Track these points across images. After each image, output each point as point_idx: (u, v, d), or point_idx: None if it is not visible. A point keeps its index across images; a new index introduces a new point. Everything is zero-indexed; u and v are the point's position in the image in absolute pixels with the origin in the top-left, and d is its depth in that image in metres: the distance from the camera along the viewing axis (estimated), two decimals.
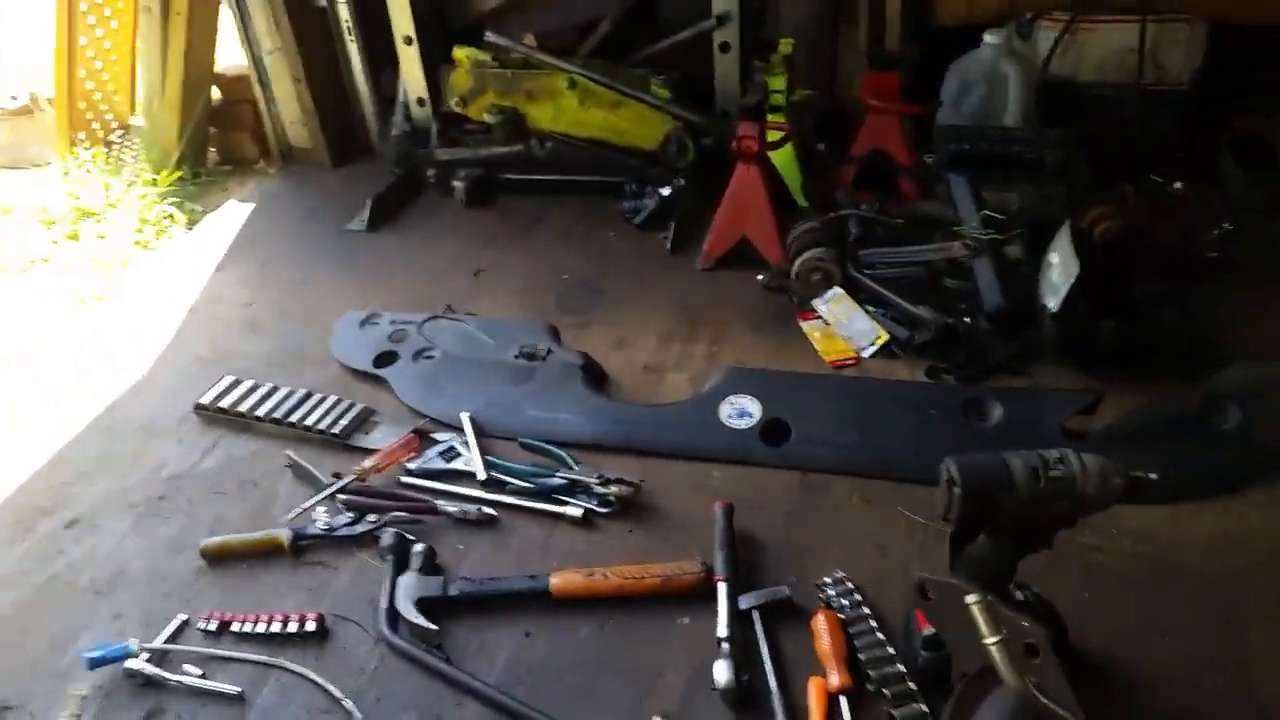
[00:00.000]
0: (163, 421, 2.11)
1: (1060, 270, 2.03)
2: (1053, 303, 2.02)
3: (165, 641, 1.60)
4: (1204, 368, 1.94)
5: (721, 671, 1.46)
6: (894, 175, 2.66)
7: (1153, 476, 1.27)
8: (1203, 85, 2.65)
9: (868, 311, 2.21)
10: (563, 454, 1.90)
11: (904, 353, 2.12)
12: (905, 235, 2.36)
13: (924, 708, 1.38)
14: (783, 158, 2.57)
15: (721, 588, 1.59)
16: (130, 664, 1.54)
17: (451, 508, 1.80)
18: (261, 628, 1.61)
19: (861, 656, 1.48)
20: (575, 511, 1.78)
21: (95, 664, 1.53)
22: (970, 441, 1.83)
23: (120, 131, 3.51)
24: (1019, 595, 1.39)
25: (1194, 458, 1.80)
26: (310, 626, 1.60)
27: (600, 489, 1.80)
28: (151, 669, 1.54)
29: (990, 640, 1.17)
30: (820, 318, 2.23)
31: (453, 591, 1.63)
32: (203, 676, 1.54)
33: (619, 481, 1.80)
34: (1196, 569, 1.61)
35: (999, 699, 1.18)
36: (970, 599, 1.24)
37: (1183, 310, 2.05)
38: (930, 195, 2.60)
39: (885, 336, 2.14)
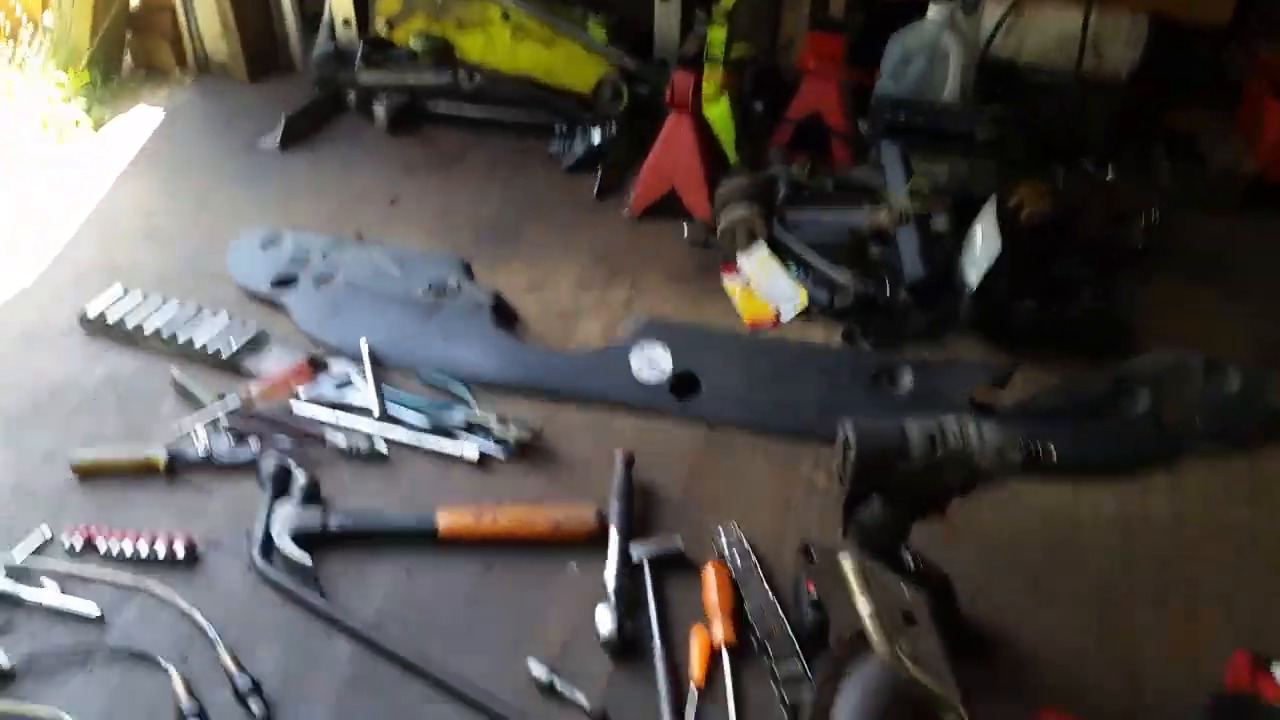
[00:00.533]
0: (45, 330, 1.99)
1: (983, 246, 2.02)
2: (973, 278, 2.02)
3: (25, 555, 1.51)
4: (1119, 353, 1.96)
5: (604, 620, 1.42)
6: (828, 139, 2.62)
7: (1050, 448, 1.26)
8: (1140, 78, 2.66)
9: (790, 273, 2.18)
10: (464, 392, 1.84)
11: (822, 316, 2.10)
12: (833, 200, 2.33)
13: (804, 667, 1.37)
14: (718, 113, 2.51)
15: (613, 536, 1.55)
16: None
17: (341, 439, 1.73)
18: (129, 547, 1.52)
19: (749, 612, 1.46)
20: (471, 452, 1.72)
21: None
22: (879, 407, 1.82)
23: (30, 28, 3.30)
24: (909, 563, 1.38)
25: (1100, 438, 1.81)
26: (180, 551, 1.52)
27: (498, 430, 1.74)
28: (6, 583, 1.45)
29: (864, 605, 1.16)
30: (742, 274, 2.20)
31: (333, 525, 1.57)
32: (61, 593, 1.46)
33: (518, 423, 1.75)
34: (1093, 548, 1.62)
35: (868, 665, 1.17)
36: (846, 562, 1.22)
37: (1102, 295, 2.06)
38: (862, 163, 2.57)
39: (805, 298, 2.11)
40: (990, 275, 1.98)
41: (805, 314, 2.11)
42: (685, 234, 2.33)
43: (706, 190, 2.36)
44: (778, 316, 2.10)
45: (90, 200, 2.46)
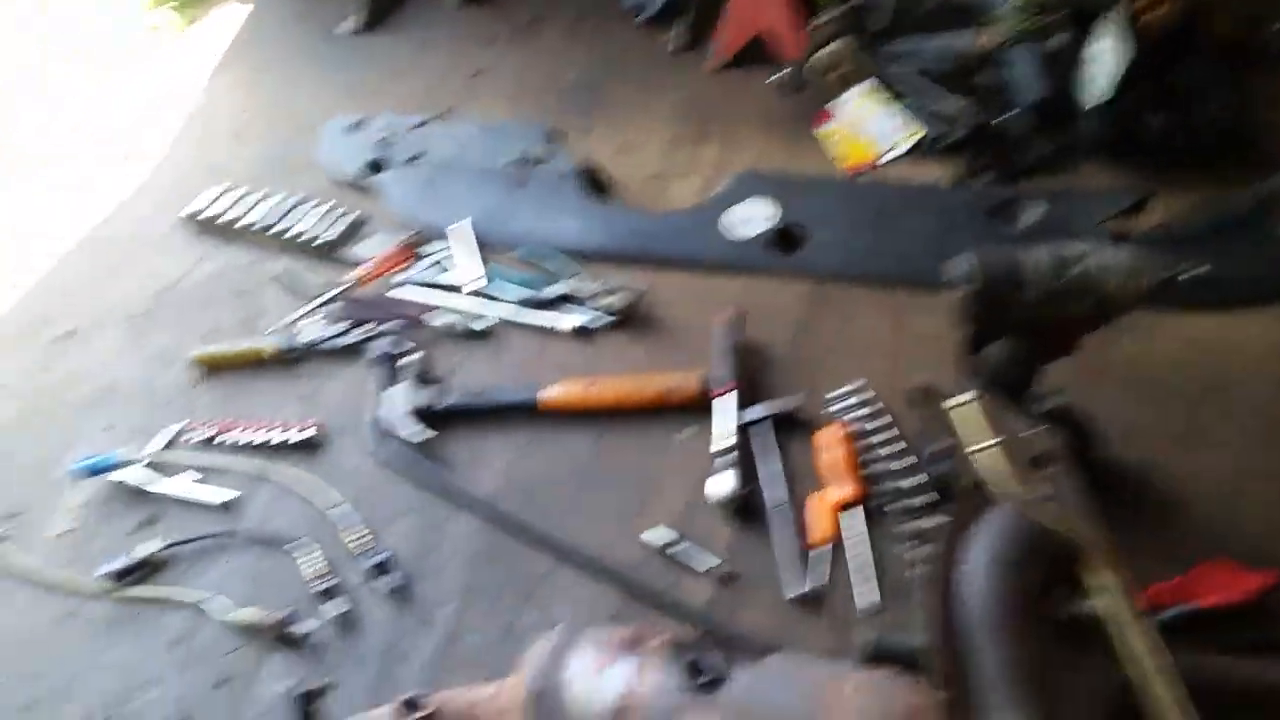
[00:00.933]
0: (154, 233, 2.04)
1: (1108, 59, 1.85)
2: (1097, 94, 1.85)
3: (157, 452, 1.57)
4: (1257, 169, 1.78)
5: (720, 483, 1.41)
6: None
7: (1188, 269, 1.14)
8: None
9: (893, 110, 2.04)
10: (560, 264, 1.80)
11: (931, 153, 1.97)
12: (936, 24, 2.15)
13: (933, 521, 1.33)
14: None
15: (724, 399, 1.52)
16: (122, 474, 1.52)
17: (444, 319, 1.73)
18: (255, 437, 1.57)
19: (873, 469, 1.42)
20: (571, 324, 1.70)
21: (87, 474, 1.52)
22: (998, 244, 1.71)
23: None
24: (1043, 405, 1.31)
25: (1244, 260, 1.66)
26: (303, 436, 1.56)
27: (597, 300, 1.71)
28: (144, 478, 1.52)
29: (990, 448, 1.09)
30: (840, 119, 2.07)
31: (445, 403, 1.58)
32: (195, 485, 1.52)
33: (618, 292, 1.71)
34: (1243, 380, 1.50)
35: (994, 516, 1.11)
36: (971, 402, 1.15)
37: (1238, 105, 1.87)
38: None
39: (912, 135, 1.98)
40: (1117, 90, 1.82)
41: (913, 152, 1.98)
42: (776, 79, 2.21)
43: (796, 30, 2.21)
44: (883, 157, 1.98)
45: (185, 100, 2.47)
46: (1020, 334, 1.23)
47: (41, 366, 1.77)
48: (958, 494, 1.12)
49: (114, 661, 1.33)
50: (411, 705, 1.08)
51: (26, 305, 1.92)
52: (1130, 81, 1.81)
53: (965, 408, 1.12)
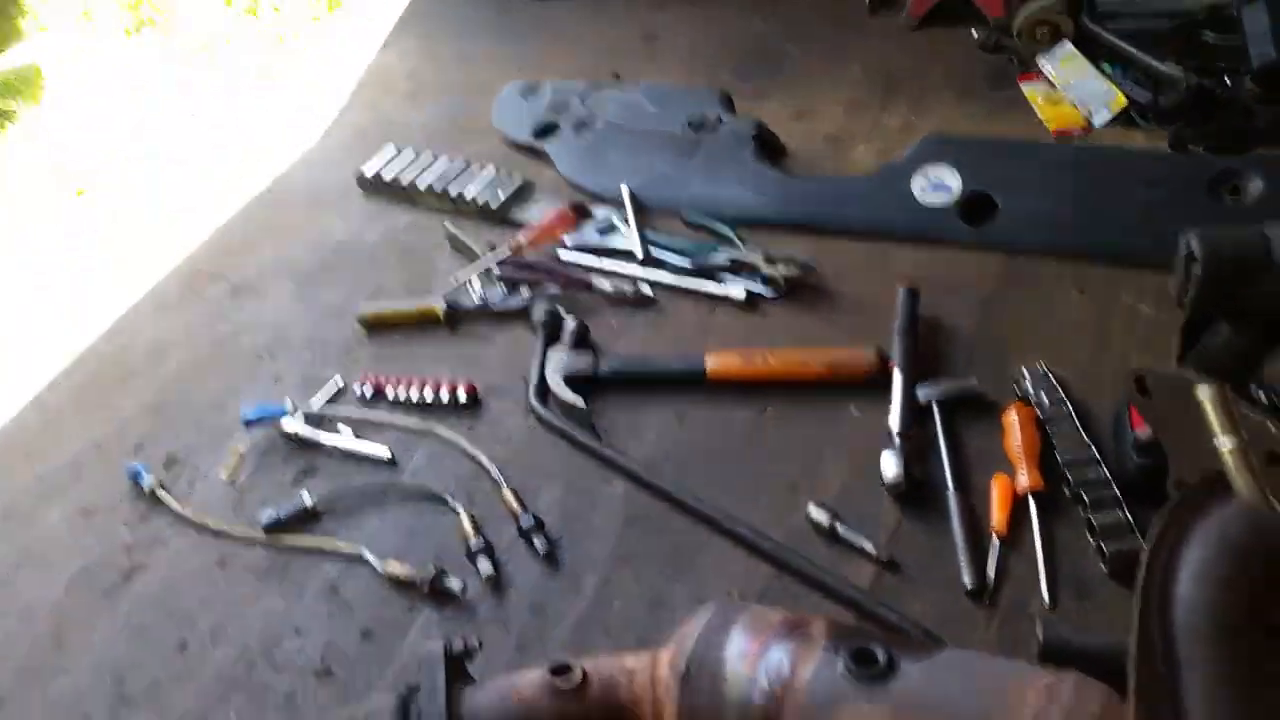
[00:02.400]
0: (327, 192, 2.08)
1: None
2: None
3: (321, 404, 1.59)
4: None
5: (890, 464, 1.30)
6: None
7: None
8: None
9: (1103, 71, 1.86)
10: (728, 231, 1.73)
11: (1145, 120, 1.78)
12: None
13: (1128, 517, 1.18)
14: None
15: (897, 376, 1.41)
16: (285, 424, 1.54)
17: (607, 284, 1.68)
18: (415, 394, 1.57)
19: (1060, 458, 1.28)
20: (738, 292, 1.62)
21: (252, 423, 1.54)
22: (1219, 221, 1.52)
23: None
24: (1263, 397, 1.15)
25: None
26: (462, 396, 1.55)
27: (767, 268, 1.63)
28: (306, 430, 1.54)
29: (1225, 441, 0.95)
30: (1046, 79, 1.90)
31: (604, 369, 1.53)
32: (356, 438, 1.53)
33: (788, 261, 1.62)
34: None
35: (1225, 512, 0.97)
36: (1204, 391, 1.01)
37: None
38: None
39: (1123, 99, 1.80)
40: None
41: (1124, 118, 1.80)
42: (976, 38, 2.05)
43: None
44: (1089, 123, 1.81)
45: (358, 65, 2.52)
46: (1249, 321, 1.08)
47: (211, 320, 1.83)
48: (1179, 486, 0.98)
49: (264, 608, 1.34)
50: (561, 669, 1.03)
51: (196, 262, 1.98)
52: None
53: (1206, 394, 0.99)
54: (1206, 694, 0.78)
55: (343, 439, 1.53)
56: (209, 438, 1.59)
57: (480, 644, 1.09)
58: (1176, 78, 1.75)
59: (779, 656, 0.97)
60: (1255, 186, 1.56)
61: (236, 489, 1.50)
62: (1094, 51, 1.89)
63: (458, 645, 1.08)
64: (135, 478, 1.51)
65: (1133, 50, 1.83)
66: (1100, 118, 1.81)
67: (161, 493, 1.49)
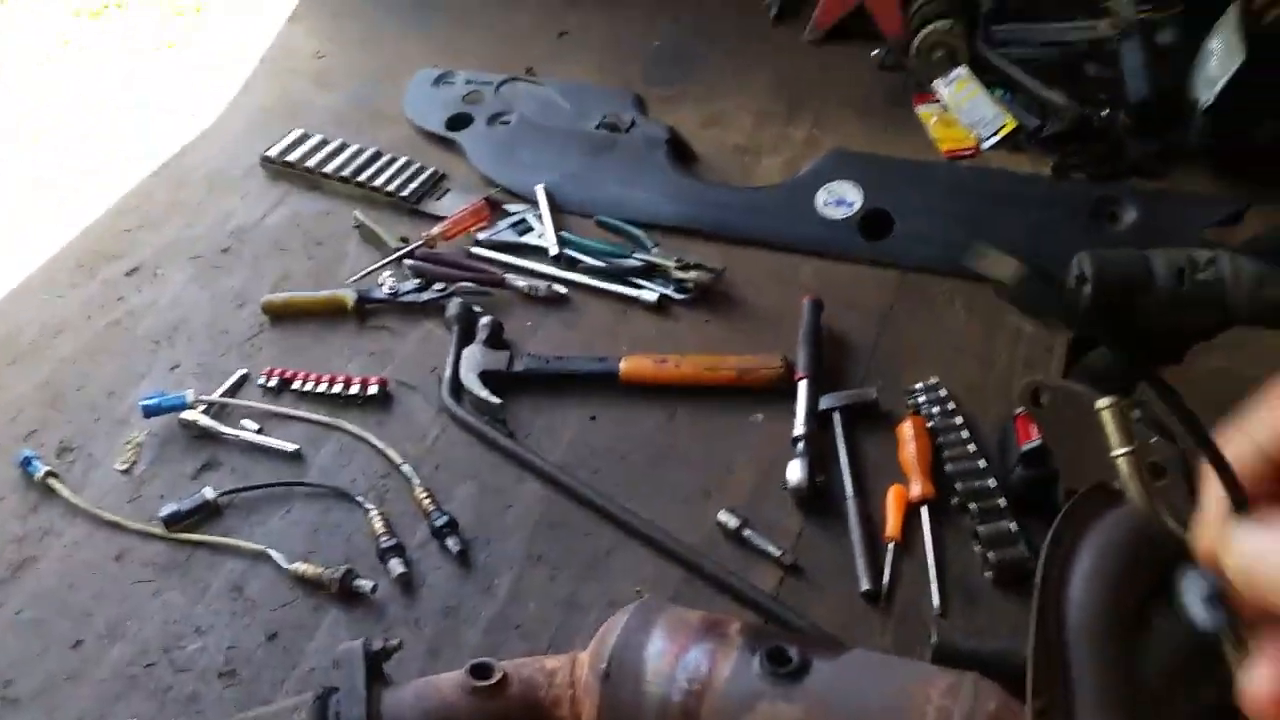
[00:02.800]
0: (228, 172, 2.02)
1: (1220, 59, 1.75)
2: (1207, 96, 1.76)
3: (223, 395, 1.56)
4: None
5: (795, 470, 1.36)
6: None
7: None
8: None
9: (994, 96, 1.97)
10: (640, 235, 1.76)
11: (1030, 144, 1.89)
12: (1044, 12, 2.06)
13: (1013, 526, 1.27)
14: None
15: (802, 385, 1.47)
16: (186, 415, 1.50)
17: (520, 282, 1.70)
18: (323, 388, 1.55)
19: (949, 469, 1.36)
20: (650, 296, 1.66)
21: (151, 412, 1.50)
22: (1098, 245, 1.64)
23: None
24: (1137, 414, 1.25)
25: None
26: (372, 390, 1.54)
27: (678, 273, 1.67)
28: (207, 421, 1.50)
29: (1120, 451, 1.04)
30: (939, 101, 2.00)
31: (518, 367, 1.55)
32: (260, 432, 1.50)
33: (698, 267, 1.66)
34: None
35: (1114, 520, 1.06)
36: (1102, 403, 1.09)
37: None
38: None
39: (1012, 124, 1.91)
40: (1228, 90, 1.72)
41: (1011, 142, 1.91)
42: (875, 56, 2.14)
43: (899, 5, 2.14)
44: (978, 145, 1.91)
45: (262, 42, 2.45)
46: (1129, 340, 1.18)
47: (105, 303, 1.76)
48: (1078, 497, 1.07)
49: (164, 605, 1.31)
50: (480, 671, 1.05)
51: (89, 240, 1.90)
52: (1241, 85, 1.72)
53: (1103, 404, 1.06)
54: (1095, 689, 0.85)
55: (247, 432, 1.50)
56: (104, 426, 1.54)
57: (400, 644, 1.10)
58: (1063, 106, 1.87)
59: (697, 656, 1.01)
60: (1130, 215, 1.68)
61: (134, 480, 1.47)
62: (986, 76, 1.99)
63: (376, 645, 1.09)
64: (25, 466, 1.46)
65: (1023, 77, 1.94)
66: (989, 141, 1.91)
67: (54, 482, 1.45)
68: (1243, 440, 0.31)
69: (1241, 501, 0.30)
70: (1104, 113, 1.87)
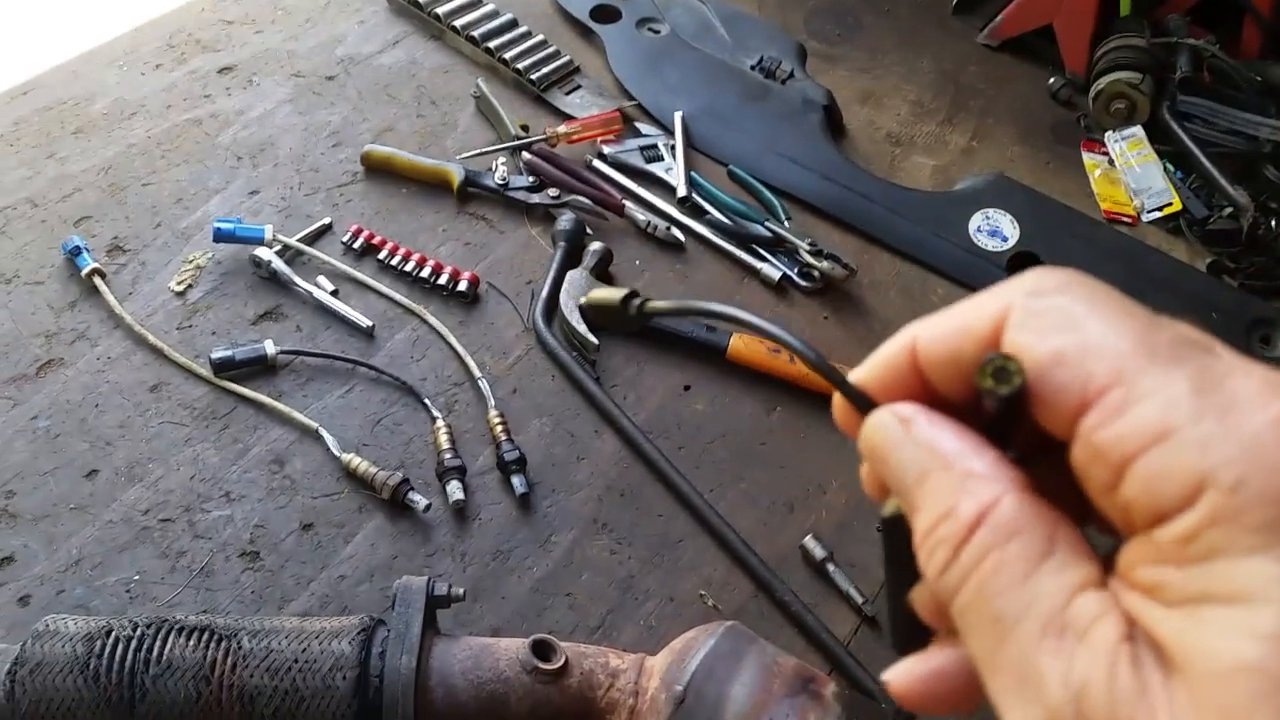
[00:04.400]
0: None
1: None
2: None
3: (302, 240, 1.41)
4: None
5: (894, 504, 1.25)
6: (1240, 20, 2.17)
7: None
8: None
9: (1161, 168, 1.83)
10: (775, 201, 1.62)
11: (1191, 233, 1.77)
12: (1236, 98, 1.93)
13: None
14: None
15: None
16: (260, 251, 1.36)
17: (640, 214, 1.55)
18: (409, 266, 1.41)
19: None
20: (773, 273, 1.52)
21: (222, 236, 1.34)
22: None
23: None
24: None
25: None
26: (462, 286, 1.40)
27: (809, 258, 1.53)
28: (281, 265, 1.36)
29: None
30: (1107, 154, 1.86)
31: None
32: (334, 294, 1.36)
33: (833, 259, 1.53)
34: None
35: None
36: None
37: None
38: (1271, 58, 2.12)
39: (1178, 205, 1.78)
40: None
41: (1169, 223, 1.78)
42: (1050, 85, 1.99)
43: (1089, 39, 1.98)
44: (1139, 215, 1.78)
45: None
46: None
47: (190, 95, 1.59)
48: None
49: (195, 459, 1.18)
50: (542, 649, 0.95)
51: (185, 19, 1.71)
52: None
53: None
54: None
55: (321, 290, 1.36)
56: (164, 236, 1.39)
57: (464, 594, 0.99)
58: (1242, 204, 1.74)
59: (787, 712, 0.92)
60: None
61: (186, 306, 1.32)
62: (1158, 145, 1.85)
63: (441, 588, 0.98)
64: (73, 254, 1.30)
65: (1203, 160, 1.80)
66: (1150, 215, 1.78)
67: (99, 281, 1.30)
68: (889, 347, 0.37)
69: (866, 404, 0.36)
70: (1273, 223, 1.75)
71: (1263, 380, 0.30)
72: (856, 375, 0.39)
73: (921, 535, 0.35)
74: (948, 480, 0.34)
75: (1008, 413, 0.33)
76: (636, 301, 0.47)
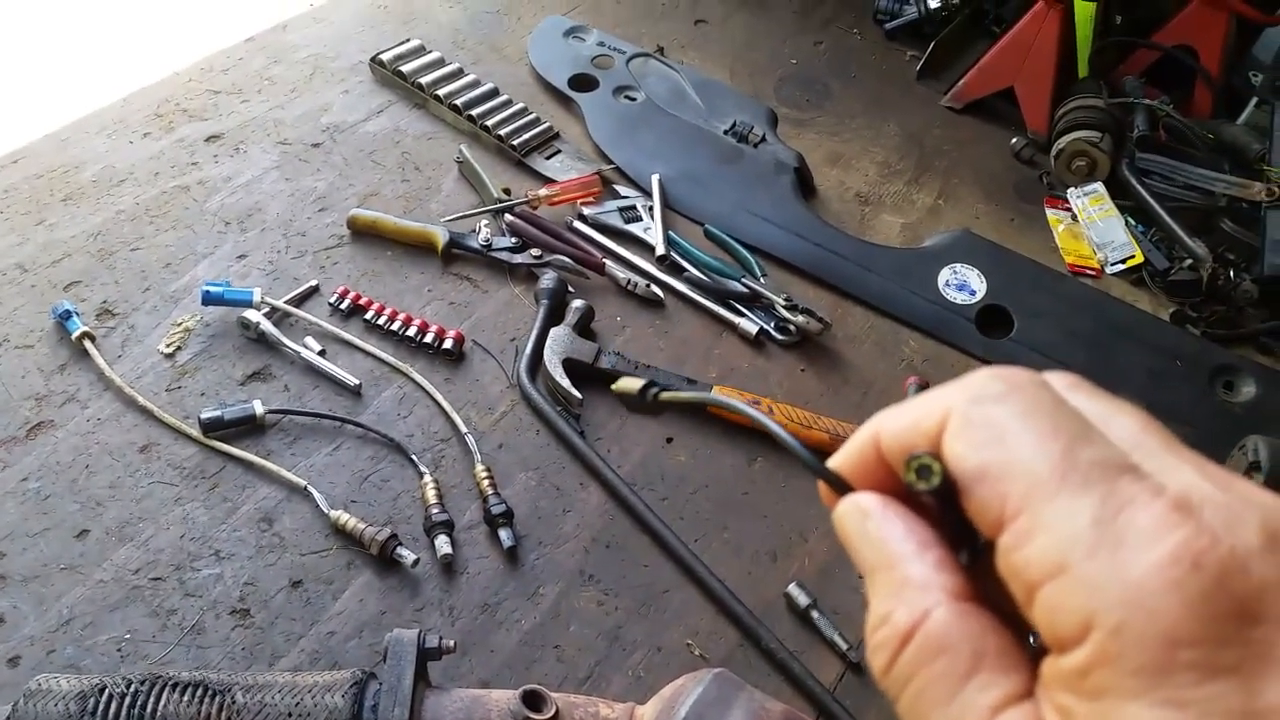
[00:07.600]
0: (332, 62, 1.88)
1: None
2: None
3: (290, 302, 1.44)
4: None
5: None
6: (1192, 80, 2.27)
7: None
8: None
9: (1122, 223, 1.90)
10: (750, 258, 1.66)
11: (1153, 284, 1.83)
12: (1191, 155, 2.01)
13: None
14: (1084, 13, 2.17)
15: None
16: (248, 313, 1.38)
17: (620, 272, 1.59)
18: (395, 326, 1.44)
19: None
20: (750, 327, 1.57)
21: (210, 300, 1.37)
22: (1213, 412, 1.59)
23: None
24: None
25: None
26: (447, 344, 1.43)
27: (785, 312, 1.58)
28: (269, 326, 1.38)
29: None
30: (1070, 210, 1.93)
31: (605, 363, 1.45)
32: (322, 355, 1.39)
33: (808, 313, 1.57)
34: None
35: None
36: None
37: None
38: (1225, 119, 2.21)
39: (1140, 258, 1.84)
40: None
41: (1132, 275, 1.84)
42: (1012, 144, 2.06)
43: (1049, 100, 2.07)
44: (1102, 267, 1.84)
45: None
46: None
47: (178, 162, 1.62)
48: None
49: (185, 518, 1.20)
50: (533, 700, 0.96)
51: (172, 89, 1.75)
52: None
53: None
54: None
55: (308, 351, 1.38)
56: (153, 299, 1.41)
57: (454, 646, 1.00)
58: (1200, 257, 1.81)
59: None
60: (1248, 388, 1.63)
61: (175, 368, 1.34)
62: (1119, 201, 1.92)
63: (432, 640, 0.99)
64: (63, 318, 1.32)
65: (1162, 215, 1.87)
66: (1114, 267, 1.85)
67: (89, 345, 1.32)
68: (860, 434, 0.39)
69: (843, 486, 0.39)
70: (1231, 274, 1.82)
71: (1167, 507, 0.30)
72: (835, 460, 0.40)
73: (869, 630, 0.36)
74: (889, 582, 0.35)
75: (945, 505, 0.34)
76: (653, 391, 0.50)
